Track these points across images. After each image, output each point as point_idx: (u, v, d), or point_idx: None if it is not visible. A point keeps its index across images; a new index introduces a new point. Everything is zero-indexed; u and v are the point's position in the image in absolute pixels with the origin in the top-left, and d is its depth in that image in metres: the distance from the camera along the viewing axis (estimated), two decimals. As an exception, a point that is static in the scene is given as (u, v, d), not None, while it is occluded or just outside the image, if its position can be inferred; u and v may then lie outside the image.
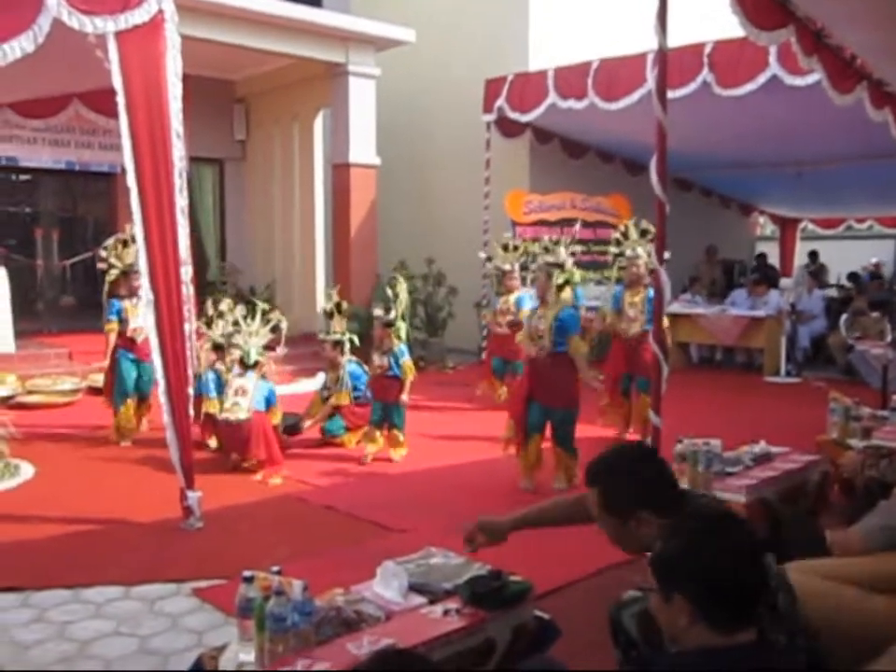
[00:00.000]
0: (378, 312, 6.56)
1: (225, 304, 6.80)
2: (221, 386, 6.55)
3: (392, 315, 6.46)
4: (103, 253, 7.06)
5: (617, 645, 2.56)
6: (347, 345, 6.93)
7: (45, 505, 5.22)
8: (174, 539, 4.69)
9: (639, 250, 7.06)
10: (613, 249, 7.57)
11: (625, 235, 7.30)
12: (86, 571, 4.18)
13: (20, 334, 9.73)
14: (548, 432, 5.81)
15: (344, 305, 7.03)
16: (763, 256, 16.00)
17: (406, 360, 6.44)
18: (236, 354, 6.28)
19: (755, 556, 1.85)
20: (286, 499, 5.50)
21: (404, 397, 6.48)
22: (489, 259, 10.04)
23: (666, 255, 7.52)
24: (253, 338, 6.27)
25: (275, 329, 6.54)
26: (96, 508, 5.17)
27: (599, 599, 3.73)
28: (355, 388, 6.87)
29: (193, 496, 4.84)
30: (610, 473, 2.37)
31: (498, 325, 8.52)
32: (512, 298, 8.50)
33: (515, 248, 8.96)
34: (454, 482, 5.95)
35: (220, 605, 3.73)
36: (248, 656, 2.40)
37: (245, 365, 6.19)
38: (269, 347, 6.51)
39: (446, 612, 2.66)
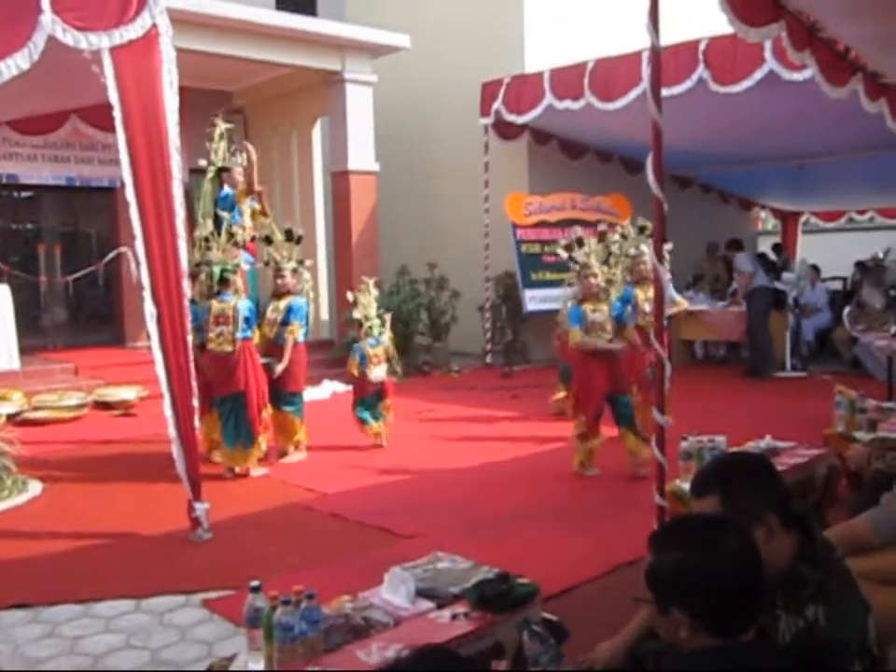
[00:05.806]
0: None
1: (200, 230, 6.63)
2: (196, 315, 6.34)
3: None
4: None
5: None
6: (306, 274, 6.68)
7: (53, 521, 5.24)
8: (182, 551, 4.70)
9: (643, 247, 6.99)
10: (615, 250, 7.37)
11: (624, 236, 7.21)
12: (96, 586, 4.19)
13: (24, 350, 9.75)
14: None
15: (299, 232, 6.67)
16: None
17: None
18: (204, 277, 6.03)
19: (751, 561, 1.80)
20: (292, 508, 5.50)
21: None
22: None
23: (669, 246, 7.36)
24: (220, 254, 6.12)
25: (238, 245, 6.33)
26: (104, 522, 5.19)
27: (607, 600, 3.75)
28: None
29: (201, 507, 4.85)
30: (734, 480, 2.13)
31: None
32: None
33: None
34: (460, 485, 5.96)
35: (229, 615, 3.73)
36: (258, 665, 2.41)
37: (217, 286, 6.05)
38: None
39: (454, 616, 2.67)
